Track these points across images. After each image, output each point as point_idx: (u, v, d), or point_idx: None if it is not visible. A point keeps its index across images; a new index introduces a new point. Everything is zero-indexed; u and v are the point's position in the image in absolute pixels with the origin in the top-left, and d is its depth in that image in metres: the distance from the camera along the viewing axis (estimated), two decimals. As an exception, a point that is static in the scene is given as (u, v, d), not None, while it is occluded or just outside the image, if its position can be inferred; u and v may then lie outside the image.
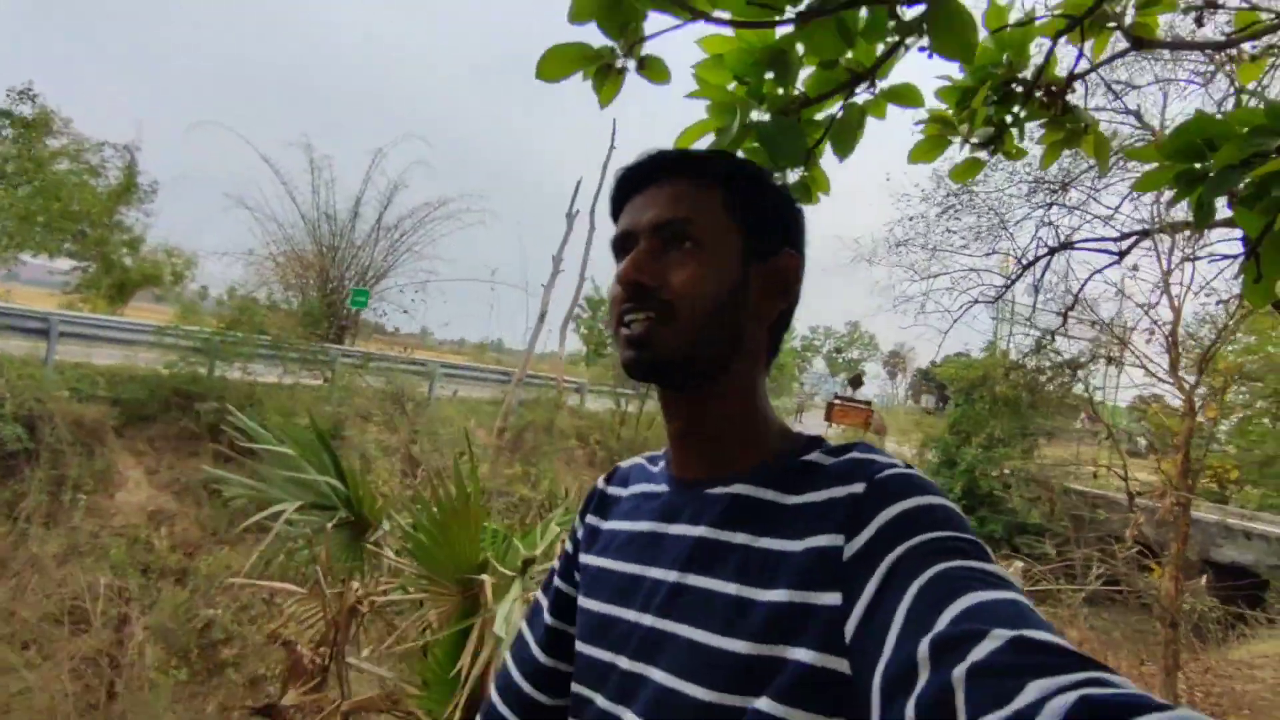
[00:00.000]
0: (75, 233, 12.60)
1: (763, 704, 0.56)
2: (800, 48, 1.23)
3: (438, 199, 17.64)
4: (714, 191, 0.72)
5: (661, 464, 0.81)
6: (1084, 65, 1.55)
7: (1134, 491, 5.01)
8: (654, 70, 1.15)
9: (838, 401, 16.60)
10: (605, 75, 1.13)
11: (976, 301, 8.30)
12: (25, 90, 10.02)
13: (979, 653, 0.42)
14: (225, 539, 8.26)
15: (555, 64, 1.11)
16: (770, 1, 1.09)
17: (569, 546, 0.86)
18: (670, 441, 0.77)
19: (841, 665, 0.54)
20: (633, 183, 0.75)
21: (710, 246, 0.70)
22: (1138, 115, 6.91)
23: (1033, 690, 0.38)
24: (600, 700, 0.70)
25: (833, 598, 0.56)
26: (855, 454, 0.65)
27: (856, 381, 16.70)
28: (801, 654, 0.56)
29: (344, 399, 9.56)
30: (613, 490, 0.85)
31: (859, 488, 0.60)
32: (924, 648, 0.45)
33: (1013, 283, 8.06)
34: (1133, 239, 7.18)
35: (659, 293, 0.68)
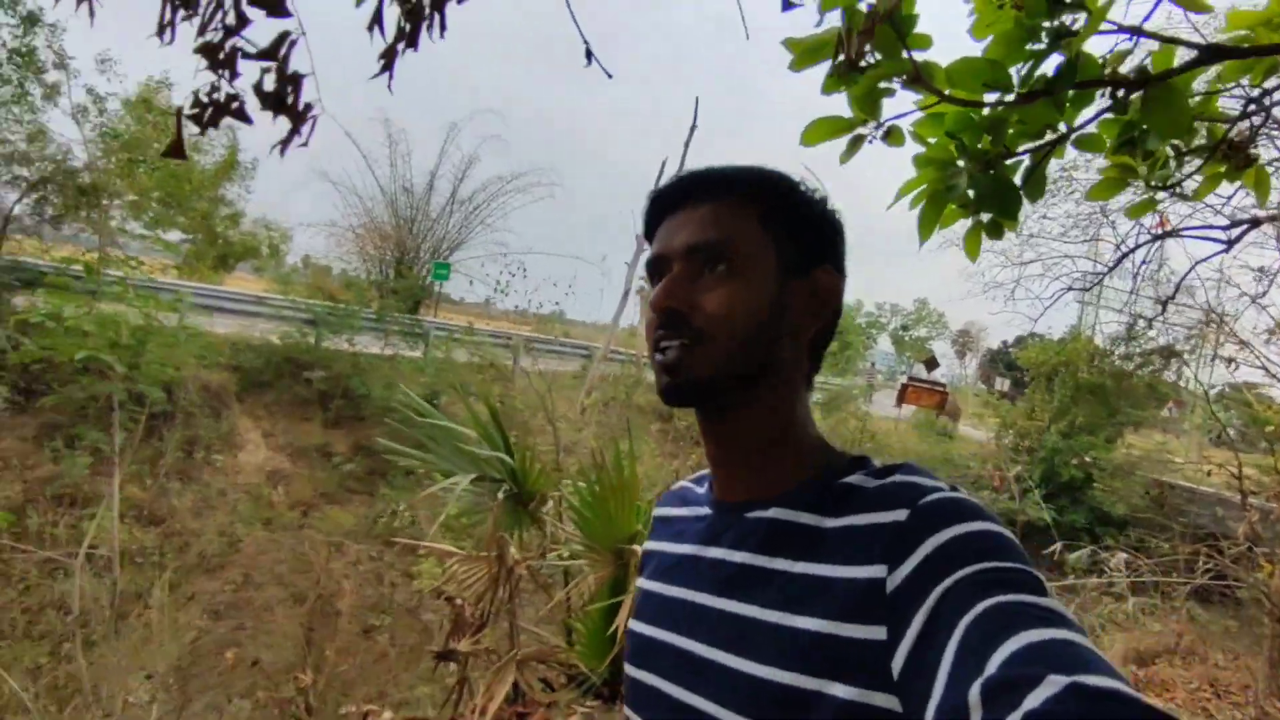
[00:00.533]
0: (186, 207, 13.47)
1: None
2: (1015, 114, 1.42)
3: (510, 173, 18.16)
4: (749, 209, 0.70)
5: (706, 485, 0.82)
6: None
7: (1246, 490, 5.01)
8: (894, 137, 1.36)
9: (911, 383, 16.44)
10: (856, 143, 1.35)
11: (1070, 289, 8.20)
12: (163, 80, 10.77)
13: (1033, 700, 0.41)
14: (335, 499, 8.94)
15: (817, 132, 1.34)
16: (1000, 85, 1.29)
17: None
18: (709, 465, 0.77)
19: (891, 702, 0.53)
20: (665, 205, 0.74)
21: (745, 267, 0.69)
22: (1259, 103, 6.66)
23: None
24: None
25: (877, 632, 0.55)
26: (899, 476, 0.63)
27: (931, 363, 16.49)
28: (840, 689, 0.55)
29: (440, 370, 10.11)
30: (661, 512, 0.87)
31: (902, 514, 0.58)
32: (975, 692, 0.44)
33: (1110, 270, 7.90)
34: (1243, 227, 6.96)
35: (692, 319, 0.68)
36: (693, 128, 12.40)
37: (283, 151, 1.07)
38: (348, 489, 9.25)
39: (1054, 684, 0.41)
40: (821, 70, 1.27)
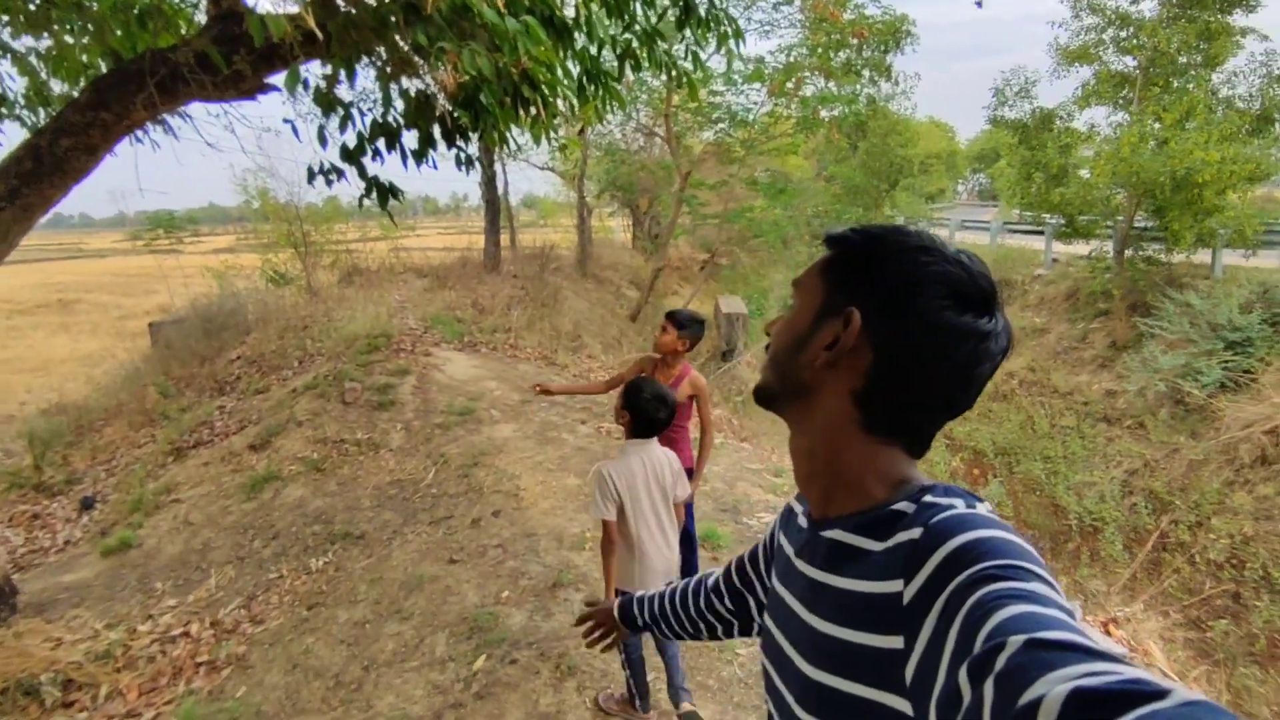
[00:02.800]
0: None
1: None
2: None
3: None
4: (824, 259, 0.80)
5: None
6: None
7: None
8: None
9: None
10: None
11: None
12: None
13: (1000, 662, 0.46)
14: None
15: None
16: None
17: (768, 543, 1.01)
18: None
19: (904, 705, 0.59)
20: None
21: (799, 304, 0.80)
22: None
23: (1040, 686, 0.42)
24: (775, 714, 0.81)
25: (894, 641, 0.61)
26: (928, 498, 0.68)
27: None
28: (882, 696, 0.62)
29: None
30: (793, 504, 0.93)
31: (918, 533, 0.63)
32: (963, 673, 0.49)
33: None
34: None
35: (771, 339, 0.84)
36: None
37: None
38: None
39: (1014, 644, 0.46)
40: None
